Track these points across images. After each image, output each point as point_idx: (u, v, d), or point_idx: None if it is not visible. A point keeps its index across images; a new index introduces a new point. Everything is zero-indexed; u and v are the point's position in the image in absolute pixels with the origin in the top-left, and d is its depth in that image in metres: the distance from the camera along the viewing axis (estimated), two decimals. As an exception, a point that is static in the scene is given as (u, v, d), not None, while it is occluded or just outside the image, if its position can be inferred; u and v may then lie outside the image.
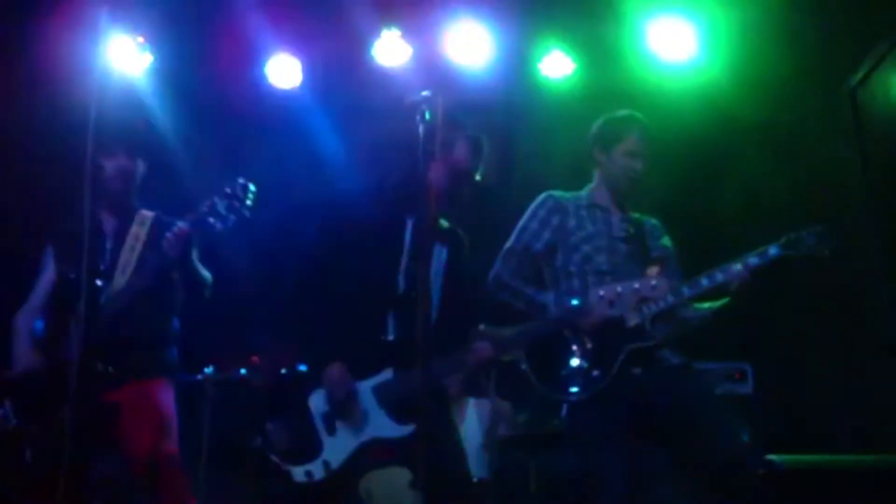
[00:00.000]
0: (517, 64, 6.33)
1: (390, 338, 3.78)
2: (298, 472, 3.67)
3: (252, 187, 3.97)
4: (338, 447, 3.67)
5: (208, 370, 5.27)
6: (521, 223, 4.33)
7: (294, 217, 5.32)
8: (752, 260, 3.99)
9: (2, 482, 4.49)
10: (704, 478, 3.92)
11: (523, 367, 4.14)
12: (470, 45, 6.15)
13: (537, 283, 4.25)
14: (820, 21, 5.54)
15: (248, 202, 3.96)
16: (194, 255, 4.30)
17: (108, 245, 4.24)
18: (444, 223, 4.05)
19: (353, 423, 3.69)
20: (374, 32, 6.16)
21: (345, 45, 6.24)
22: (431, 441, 3.33)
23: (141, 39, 5.93)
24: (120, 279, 4.17)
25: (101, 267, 4.19)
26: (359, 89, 6.16)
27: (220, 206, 3.94)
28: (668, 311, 4.05)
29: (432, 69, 6.16)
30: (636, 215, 4.35)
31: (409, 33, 6.17)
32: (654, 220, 4.38)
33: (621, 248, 4.20)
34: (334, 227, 3.96)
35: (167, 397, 4.29)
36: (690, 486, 4.14)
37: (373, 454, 3.72)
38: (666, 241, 4.35)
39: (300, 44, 6.27)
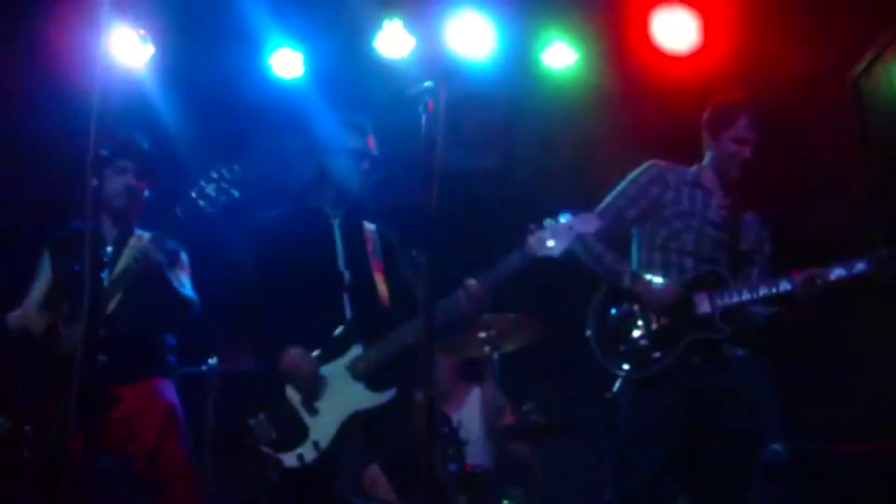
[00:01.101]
0: (519, 55, 6.32)
1: (350, 318, 3.96)
2: (290, 458, 3.75)
3: (237, 167, 4.08)
4: (323, 426, 3.78)
5: (212, 361, 5.26)
6: (619, 187, 4.32)
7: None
8: (837, 272, 3.91)
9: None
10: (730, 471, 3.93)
11: (588, 333, 4.18)
12: (472, 37, 6.15)
13: (621, 249, 4.26)
14: (823, 9, 5.52)
15: (235, 182, 4.06)
16: (177, 278, 4.41)
17: (109, 250, 4.32)
18: (369, 224, 4.29)
19: (328, 398, 3.81)
20: (377, 23, 6.16)
21: (347, 36, 6.24)
22: (399, 417, 3.69)
23: (143, 31, 5.92)
24: (115, 287, 4.20)
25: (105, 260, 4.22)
26: (361, 80, 6.15)
27: (210, 189, 4.04)
28: (741, 306, 4.04)
29: (435, 60, 6.15)
30: (739, 203, 4.29)
31: (411, 24, 6.16)
32: (756, 212, 4.33)
33: (711, 233, 4.19)
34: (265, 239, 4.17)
35: (170, 393, 4.35)
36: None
37: (359, 430, 3.82)
38: (763, 234, 4.30)
39: (302, 34, 6.27)
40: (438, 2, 6.18)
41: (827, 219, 5.18)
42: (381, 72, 6.14)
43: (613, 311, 4.17)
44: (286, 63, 6.31)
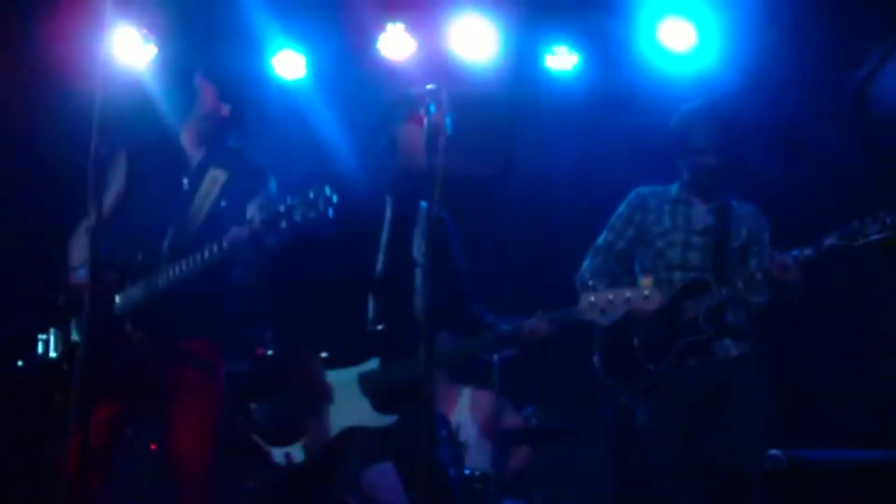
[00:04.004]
0: (521, 58, 6.32)
1: (371, 322, 3.75)
2: (278, 454, 3.69)
3: (336, 199, 3.53)
4: (318, 432, 3.67)
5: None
6: (609, 221, 4.46)
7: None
8: (807, 252, 3.94)
9: (24, 421, 4.35)
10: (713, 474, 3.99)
11: (594, 359, 4.30)
12: (474, 40, 6.15)
13: (625, 279, 4.31)
14: (827, 14, 5.52)
15: (328, 215, 3.52)
16: None
17: (186, 181, 3.99)
18: (422, 203, 3.97)
19: (332, 406, 3.67)
20: (379, 25, 6.16)
21: (350, 39, 6.23)
22: (411, 435, 3.31)
23: (145, 31, 5.92)
24: (190, 228, 3.88)
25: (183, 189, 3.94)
26: (364, 82, 6.15)
27: (297, 214, 3.53)
28: (723, 304, 4.11)
29: (437, 63, 6.15)
30: (729, 202, 4.36)
31: (413, 27, 6.16)
32: (750, 206, 4.41)
33: (697, 242, 4.28)
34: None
35: (218, 376, 3.96)
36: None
37: (357, 444, 3.70)
38: (758, 224, 4.36)
39: (305, 36, 6.27)
40: (441, 4, 6.17)
41: (831, 225, 5.17)
42: (384, 74, 6.14)
43: (613, 334, 4.25)
44: (288, 64, 6.31)
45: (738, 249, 4.29)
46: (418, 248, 3.89)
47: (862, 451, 4.58)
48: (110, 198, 3.99)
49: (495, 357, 5.09)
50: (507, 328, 3.74)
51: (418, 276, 3.84)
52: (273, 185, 4.07)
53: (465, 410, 5.78)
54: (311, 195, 3.51)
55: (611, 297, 3.56)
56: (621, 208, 4.46)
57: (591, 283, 4.18)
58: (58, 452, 3.39)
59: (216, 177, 3.97)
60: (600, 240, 4.44)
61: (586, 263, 4.42)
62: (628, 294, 3.56)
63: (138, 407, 3.90)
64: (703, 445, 4.17)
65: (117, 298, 3.80)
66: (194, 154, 4.06)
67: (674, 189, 4.42)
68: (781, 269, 3.94)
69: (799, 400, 5.52)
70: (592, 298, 3.57)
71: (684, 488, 4.07)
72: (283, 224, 3.54)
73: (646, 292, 3.55)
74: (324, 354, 3.76)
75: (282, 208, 3.55)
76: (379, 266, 3.82)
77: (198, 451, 3.82)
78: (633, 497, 5.62)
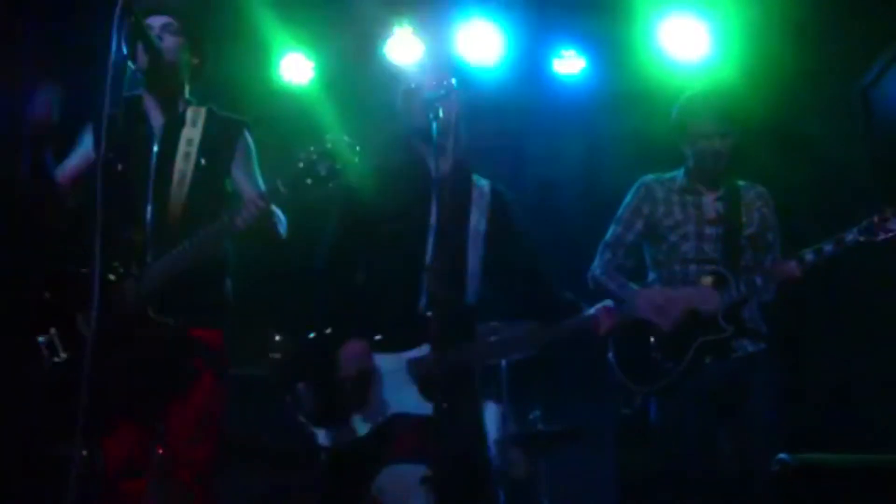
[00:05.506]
0: (528, 62, 6.33)
1: (423, 307, 3.64)
2: (322, 435, 3.61)
3: (358, 147, 3.37)
4: (363, 416, 3.59)
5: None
6: (617, 213, 4.40)
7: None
8: (827, 248, 3.93)
9: (49, 431, 4.12)
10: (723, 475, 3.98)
11: (609, 356, 4.24)
12: (481, 44, 6.15)
13: (635, 272, 4.32)
14: (833, 20, 5.52)
15: (354, 162, 3.37)
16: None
17: (156, 148, 3.63)
18: (481, 180, 3.92)
19: (378, 391, 3.59)
20: (386, 29, 6.17)
21: (357, 42, 6.24)
22: (455, 427, 3.36)
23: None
24: (177, 195, 3.57)
25: (150, 177, 3.57)
26: (371, 87, 6.16)
27: (322, 167, 3.29)
28: (742, 301, 4.07)
29: (444, 67, 6.14)
30: (739, 184, 4.34)
31: (421, 31, 6.16)
32: (759, 188, 4.37)
33: (710, 232, 4.23)
34: (357, 196, 3.75)
35: (225, 373, 3.70)
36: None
37: (398, 436, 3.61)
38: (768, 209, 4.32)
39: (312, 40, 6.27)
40: (448, 9, 6.18)
41: (836, 229, 5.19)
42: (391, 78, 6.14)
43: (629, 332, 4.20)
44: (296, 68, 6.32)
45: (750, 238, 4.23)
46: (475, 232, 3.81)
47: (871, 455, 4.59)
48: (76, 164, 3.68)
49: (503, 362, 5.08)
50: (593, 313, 3.73)
51: (472, 261, 3.77)
52: (249, 135, 3.80)
53: (489, 420, 5.77)
54: (329, 144, 3.32)
55: (670, 294, 3.67)
56: (628, 199, 4.39)
57: (601, 279, 4.25)
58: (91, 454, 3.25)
59: (191, 136, 3.66)
60: (609, 234, 4.38)
61: (597, 260, 4.35)
62: (690, 291, 3.68)
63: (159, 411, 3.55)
64: (716, 444, 4.15)
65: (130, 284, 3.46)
66: (158, 118, 3.72)
67: (679, 176, 4.37)
68: (785, 278, 3.97)
69: (809, 403, 5.52)
70: (652, 296, 3.69)
71: (696, 488, 4.05)
72: (309, 181, 3.31)
73: (707, 293, 3.68)
74: (377, 337, 3.65)
75: (301, 164, 3.31)
76: (429, 250, 3.69)
77: (195, 451, 3.53)
78: (640, 499, 5.63)
